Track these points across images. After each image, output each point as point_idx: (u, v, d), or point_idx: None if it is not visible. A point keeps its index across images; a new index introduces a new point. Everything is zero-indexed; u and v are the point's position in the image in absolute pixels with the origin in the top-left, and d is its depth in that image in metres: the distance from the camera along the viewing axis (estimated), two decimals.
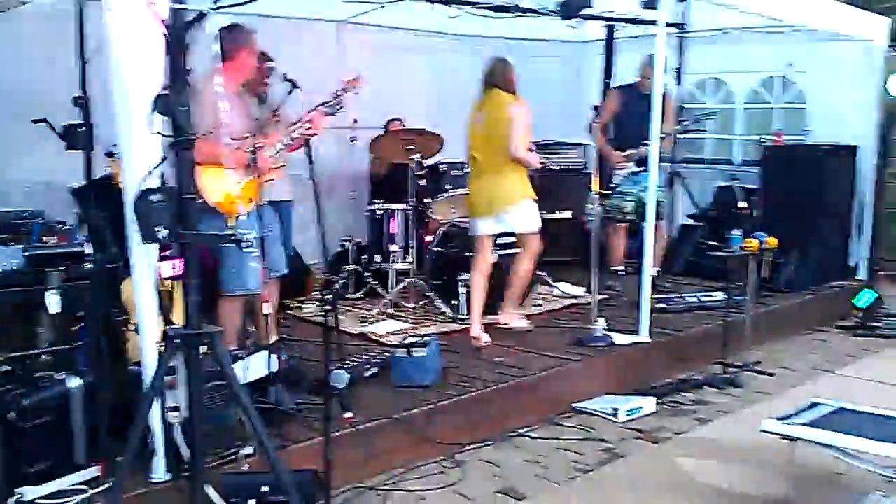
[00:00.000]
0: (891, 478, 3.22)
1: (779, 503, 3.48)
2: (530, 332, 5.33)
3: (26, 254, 3.08)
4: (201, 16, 2.39)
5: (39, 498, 2.83)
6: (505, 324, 5.31)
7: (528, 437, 4.20)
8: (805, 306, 6.48)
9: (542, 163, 5.22)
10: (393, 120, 6.58)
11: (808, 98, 7.42)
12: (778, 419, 3.49)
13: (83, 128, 4.99)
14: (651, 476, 3.78)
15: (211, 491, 2.58)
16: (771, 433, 3.41)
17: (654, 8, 5.25)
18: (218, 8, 2.44)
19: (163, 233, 2.30)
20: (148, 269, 2.98)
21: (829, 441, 3.30)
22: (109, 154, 4.08)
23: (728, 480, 3.73)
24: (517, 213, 5.08)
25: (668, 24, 6.85)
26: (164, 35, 2.41)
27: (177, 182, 2.38)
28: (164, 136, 3.10)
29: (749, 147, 7.73)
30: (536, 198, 5.20)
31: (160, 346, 3.01)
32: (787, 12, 6.05)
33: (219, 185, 3.95)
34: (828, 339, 6.24)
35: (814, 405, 3.65)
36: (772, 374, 5.23)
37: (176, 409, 2.47)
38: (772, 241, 5.33)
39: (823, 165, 6.79)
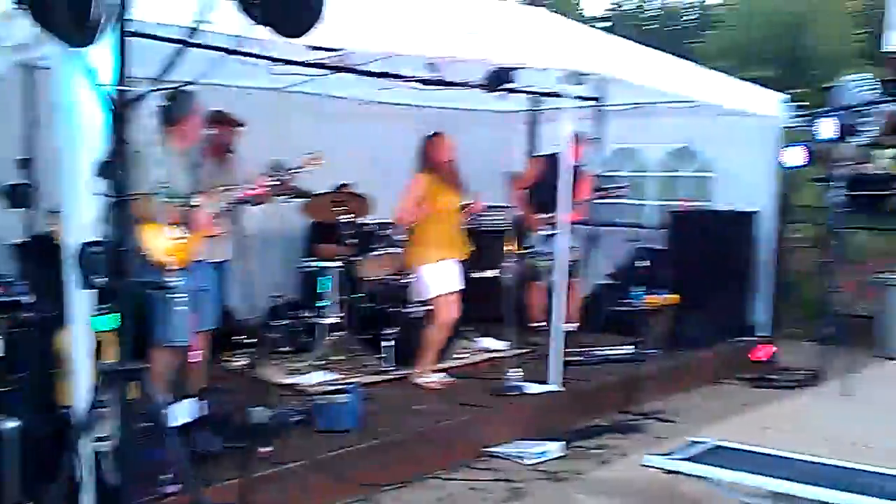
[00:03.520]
0: None
1: None
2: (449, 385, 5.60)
3: None
4: (142, 96, 2.75)
5: None
6: (416, 383, 5.55)
7: (441, 478, 4.52)
8: (708, 359, 6.96)
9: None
10: (343, 185, 6.96)
11: (713, 167, 8.06)
12: (660, 455, 3.89)
13: (26, 187, 5.31)
14: None
15: None
16: (652, 467, 3.82)
17: (573, 84, 5.81)
18: (157, 90, 2.80)
19: (99, 280, 2.60)
20: (84, 316, 3.29)
21: (702, 473, 3.72)
22: (53, 212, 4.40)
23: None
24: (415, 279, 5.47)
25: (586, 98, 7.51)
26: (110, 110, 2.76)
27: (114, 236, 2.69)
28: (105, 195, 3.49)
29: (661, 212, 8.30)
30: (448, 259, 5.50)
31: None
32: (692, 92, 6.69)
33: (155, 241, 4.29)
34: (728, 390, 6.72)
35: (694, 443, 4.07)
36: (672, 421, 5.68)
37: (105, 439, 2.74)
38: (673, 298, 5.83)
39: (726, 229, 7.37)
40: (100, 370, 2.64)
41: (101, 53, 2.92)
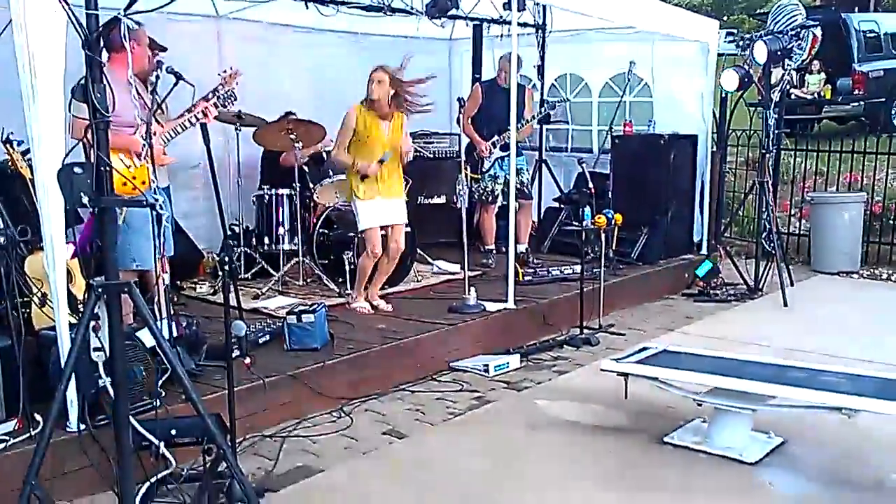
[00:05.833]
0: (700, 400, 3.93)
1: (616, 430, 4.15)
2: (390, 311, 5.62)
3: None
4: (115, 20, 2.76)
5: None
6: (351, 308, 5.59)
7: (409, 390, 4.73)
8: (654, 276, 7.28)
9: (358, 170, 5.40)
10: (288, 113, 6.91)
11: (653, 92, 8.27)
12: (613, 360, 4.16)
13: None
14: (512, 415, 4.39)
15: (136, 423, 2.94)
16: (608, 371, 4.08)
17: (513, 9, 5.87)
18: (128, 14, 2.80)
19: (86, 199, 2.64)
20: (61, 242, 3.33)
21: (652, 374, 3.99)
22: (7, 141, 4.33)
23: (576, 415, 4.38)
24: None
25: (528, 25, 7.60)
26: (83, 35, 2.75)
27: (94, 157, 2.73)
28: (77, 118, 3.50)
29: (606, 136, 8.51)
30: (364, 197, 5.42)
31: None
32: (630, 17, 6.82)
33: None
34: (673, 305, 7.08)
35: (643, 349, 4.35)
36: (622, 334, 5.98)
37: (100, 349, 2.82)
38: (617, 218, 6.08)
39: (667, 152, 7.61)
40: (91, 286, 2.69)
41: None
